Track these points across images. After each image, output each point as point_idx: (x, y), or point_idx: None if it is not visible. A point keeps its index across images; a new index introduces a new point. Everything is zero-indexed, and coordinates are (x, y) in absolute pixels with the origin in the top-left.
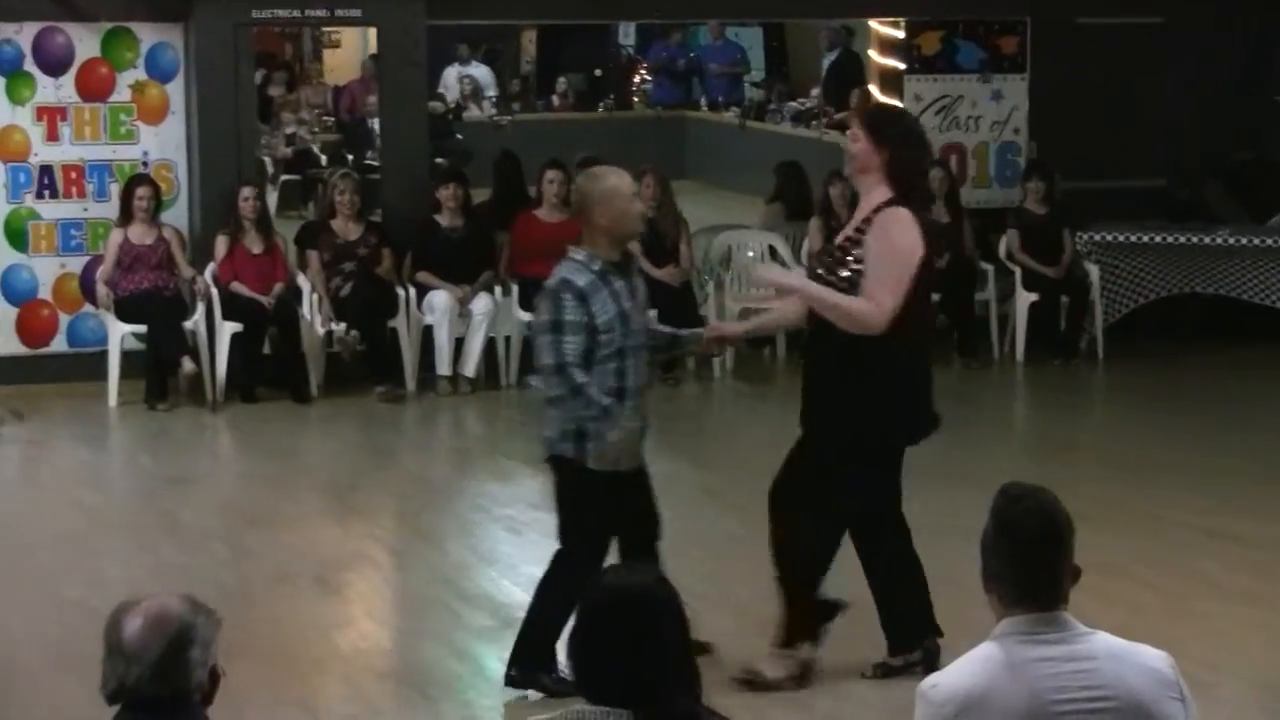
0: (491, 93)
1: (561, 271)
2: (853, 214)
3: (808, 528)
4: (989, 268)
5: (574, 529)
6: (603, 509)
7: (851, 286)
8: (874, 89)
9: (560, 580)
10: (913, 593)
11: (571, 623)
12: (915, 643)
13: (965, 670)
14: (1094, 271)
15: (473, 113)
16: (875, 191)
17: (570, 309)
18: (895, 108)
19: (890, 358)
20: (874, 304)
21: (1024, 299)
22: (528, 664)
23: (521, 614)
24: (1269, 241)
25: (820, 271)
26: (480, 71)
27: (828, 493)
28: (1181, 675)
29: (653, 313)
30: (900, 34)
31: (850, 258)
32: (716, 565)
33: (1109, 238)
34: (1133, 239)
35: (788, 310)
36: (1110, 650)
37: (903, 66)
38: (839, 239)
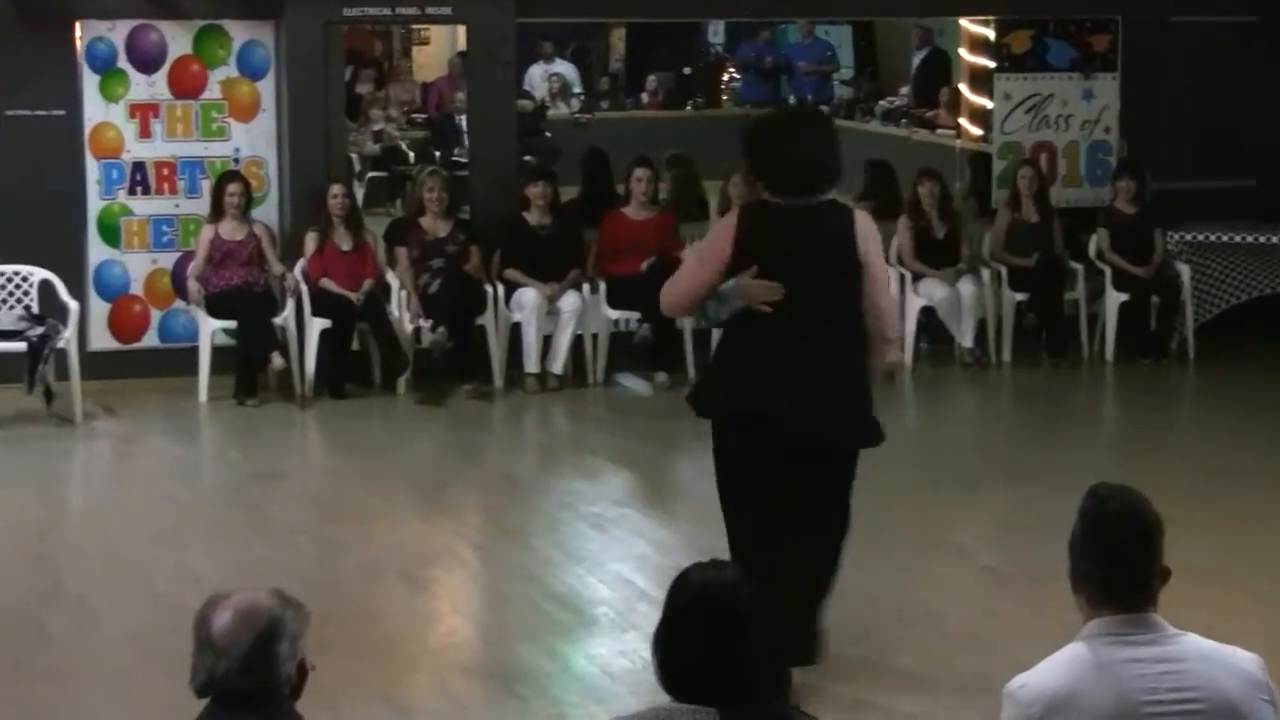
0: (578, 90)
1: None
2: (942, 213)
3: None
4: (1079, 267)
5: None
6: None
7: None
8: (963, 87)
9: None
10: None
11: (659, 620)
12: None
13: (1052, 670)
14: (1185, 271)
15: (556, 111)
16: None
17: None
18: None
19: (729, 338)
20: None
21: (1114, 299)
22: None
23: (606, 610)
24: None
25: None
26: (566, 69)
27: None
28: (1272, 677)
29: None
30: (990, 32)
31: None
32: None
33: (1200, 237)
34: (1224, 239)
35: None
36: (1200, 652)
37: (993, 65)
38: None
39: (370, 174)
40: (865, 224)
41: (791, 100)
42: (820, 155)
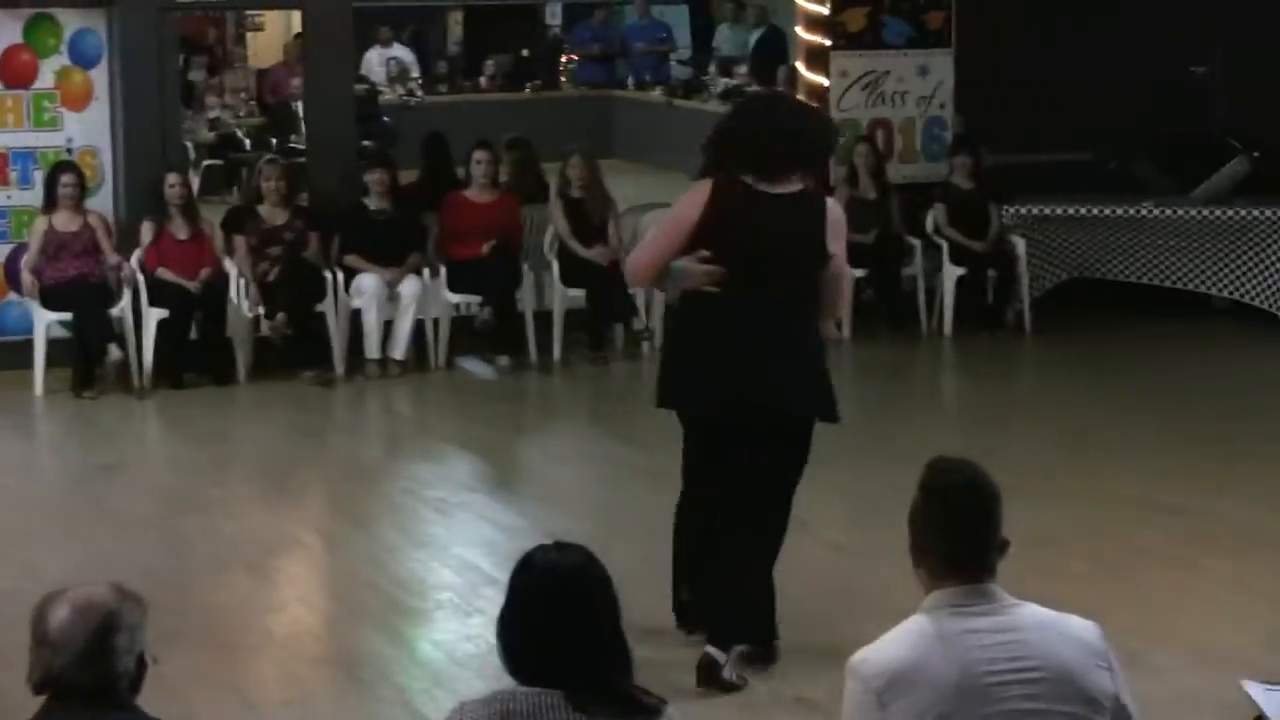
0: (416, 74)
1: None
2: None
3: None
4: (916, 242)
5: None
6: None
7: None
8: (800, 65)
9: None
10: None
11: (503, 603)
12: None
13: (895, 644)
14: (1020, 245)
15: (388, 95)
16: None
17: None
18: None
19: (688, 318)
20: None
21: (951, 273)
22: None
23: (450, 595)
24: (1191, 213)
25: None
26: (404, 53)
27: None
28: (1111, 644)
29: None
30: (826, 10)
31: None
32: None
33: (1034, 211)
34: (1058, 212)
35: None
36: (1038, 621)
37: (829, 42)
38: None
39: (206, 162)
40: (836, 215)
41: (630, 82)
42: (804, 126)
